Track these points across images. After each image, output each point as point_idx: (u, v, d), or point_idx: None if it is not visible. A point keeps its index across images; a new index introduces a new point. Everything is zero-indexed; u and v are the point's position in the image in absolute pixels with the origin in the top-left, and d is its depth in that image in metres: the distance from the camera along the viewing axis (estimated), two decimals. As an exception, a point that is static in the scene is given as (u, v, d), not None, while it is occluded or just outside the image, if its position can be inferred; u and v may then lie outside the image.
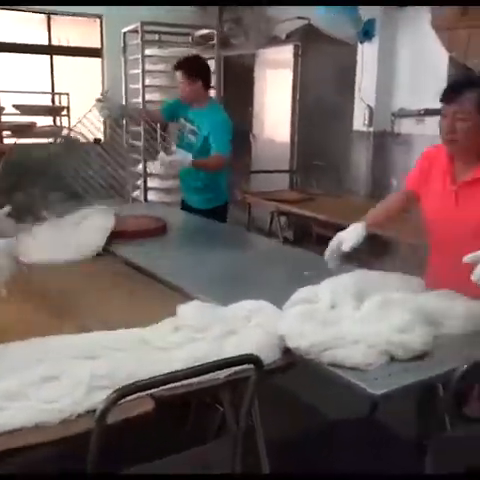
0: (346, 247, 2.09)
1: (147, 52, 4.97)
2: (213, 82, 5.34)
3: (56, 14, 7.42)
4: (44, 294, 2.14)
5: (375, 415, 2.52)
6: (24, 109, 6.92)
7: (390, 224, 2.41)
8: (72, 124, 7.22)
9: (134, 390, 1.33)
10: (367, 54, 4.81)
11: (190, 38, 5.69)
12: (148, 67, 4.84)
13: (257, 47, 6.63)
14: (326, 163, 5.34)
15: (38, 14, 7.39)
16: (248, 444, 1.81)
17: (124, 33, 5.35)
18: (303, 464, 2.16)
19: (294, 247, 3.81)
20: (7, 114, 6.95)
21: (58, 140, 5.44)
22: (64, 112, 7.23)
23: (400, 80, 4.80)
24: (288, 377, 1.75)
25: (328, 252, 2.13)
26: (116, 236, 2.84)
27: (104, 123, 7.78)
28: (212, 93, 5.30)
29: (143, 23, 4.88)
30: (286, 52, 6.25)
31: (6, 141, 6.71)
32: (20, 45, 7.40)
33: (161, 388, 1.43)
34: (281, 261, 2.67)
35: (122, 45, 5.45)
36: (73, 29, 7.64)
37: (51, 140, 6.41)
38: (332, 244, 2.13)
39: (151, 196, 5.01)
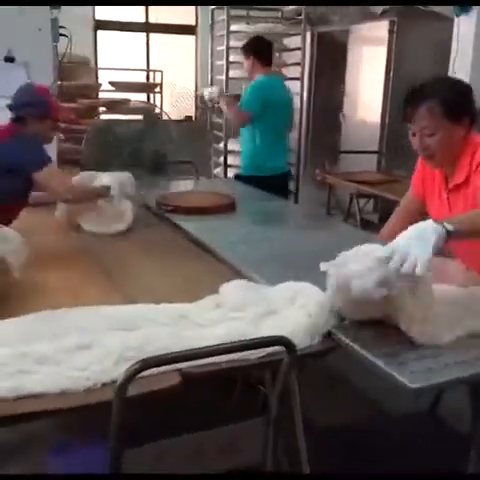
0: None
1: (233, 28, 4.94)
2: (296, 58, 5.34)
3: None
4: (96, 261, 2.21)
5: (436, 410, 2.41)
6: (119, 86, 7.12)
7: None
8: (164, 101, 7.43)
9: (156, 363, 1.33)
10: (463, 28, 4.51)
11: (280, 13, 5.59)
12: (233, 44, 4.81)
13: (351, 23, 6.43)
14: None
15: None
16: (288, 429, 1.79)
17: (212, 10, 5.34)
18: (347, 458, 2.09)
19: (373, 231, 3.68)
20: (103, 91, 7.19)
21: (147, 116, 5.60)
22: (157, 89, 7.37)
23: (498, 57, 4.47)
24: (343, 363, 1.68)
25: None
26: (180, 211, 2.87)
27: (195, 101, 7.91)
28: (305, 71, 5.37)
29: (229, -1, 4.85)
30: (381, 28, 6.01)
31: (102, 117, 6.96)
32: (119, 23, 7.60)
33: (189, 364, 1.43)
34: (346, 245, 2.57)
35: (210, 22, 5.45)
36: (170, 7, 7.73)
37: (142, 117, 6.60)
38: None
39: (232, 173, 5.01)
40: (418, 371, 1.42)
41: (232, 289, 1.78)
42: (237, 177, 4.15)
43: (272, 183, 3.76)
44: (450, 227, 1.51)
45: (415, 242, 1.46)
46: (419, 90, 1.95)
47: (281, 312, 1.68)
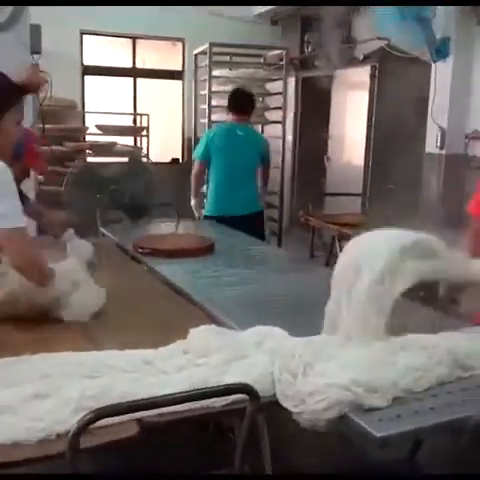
0: None
1: (216, 73, 5.01)
2: (279, 103, 5.43)
3: (141, 38, 7.68)
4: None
5: (416, 457, 2.34)
6: (106, 129, 7.18)
7: None
8: (151, 144, 7.48)
9: (109, 413, 1.28)
10: (440, 74, 4.61)
11: (262, 59, 5.69)
12: (216, 88, 4.88)
13: (335, 68, 6.56)
14: (398, 186, 5.14)
15: (124, 38, 7.68)
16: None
17: (195, 55, 5.43)
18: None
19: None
20: (90, 134, 7.25)
21: (130, 160, 5.62)
22: (144, 132, 7.43)
23: (475, 101, 4.55)
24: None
25: None
26: (156, 254, 2.84)
27: (182, 144, 7.97)
28: (288, 115, 5.45)
29: (212, 44, 4.94)
30: (363, 73, 6.14)
31: (89, 159, 6.98)
32: (106, 68, 7.71)
33: (150, 413, 1.38)
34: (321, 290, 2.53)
35: (193, 66, 5.54)
36: (155, 52, 7.87)
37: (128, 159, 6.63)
38: None
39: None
40: (386, 418, 1.38)
41: (200, 334, 1.74)
42: (206, 217, 4.35)
43: (240, 223, 3.87)
44: None
45: None
46: None
47: (248, 358, 1.64)
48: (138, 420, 1.37)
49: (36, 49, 3.33)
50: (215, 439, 1.92)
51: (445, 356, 1.52)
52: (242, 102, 4.34)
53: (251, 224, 4.09)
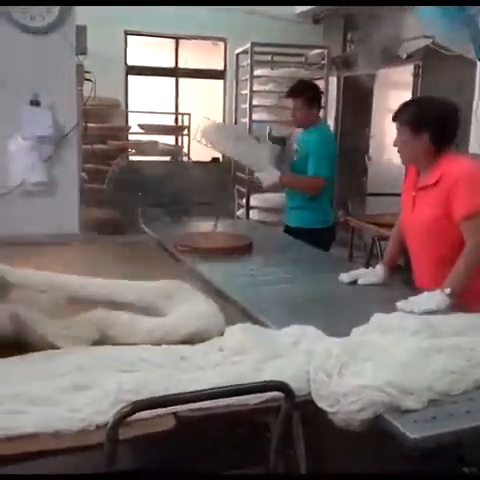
0: (361, 282, 2.45)
1: (257, 72, 5.03)
2: (324, 102, 5.36)
3: (184, 38, 7.76)
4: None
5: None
6: (148, 128, 7.28)
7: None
8: (192, 143, 7.55)
9: (146, 406, 1.31)
10: (485, 73, 4.53)
11: (303, 58, 5.68)
12: (257, 87, 4.90)
13: (378, 67, 6.50)
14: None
15: (167, 38, 7.77)
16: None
17: (237, 54, 5.46)
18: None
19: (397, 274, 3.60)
20: (133, 133, 7.36)
21: (172, 159, 5.70)
22: (185, 132, 7.50)
23: (521, 101, 4.46)
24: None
25: (345, 276, 2.48)
26: (195, 252, 2.88)
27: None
28: (331, 114, 5.32)
29: (253, 44, 4.96)
30: (406, 72, 6.07)
31: (131, 158, 7.10)
32: (149, 68, 7.81)
33: (186, 407, 1.41)
34: (361, 292, 2.53)
35: (235, 66, 5.57)
36: (197, 52, 7.94)
37: (169, 158, 6.72)
38: (353, 273, 2.49)
39: (254, 215, 5.03)
40: (422, 420, 1.38)
41: (236, 332, 1.76)
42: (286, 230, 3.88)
43: (313, 236, 3.54)
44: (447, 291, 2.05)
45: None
46: (406, 102, 2.40)
47: (283, 357, 1.65)
48: (174, 414, 1.41)
49: (82, 50, 3.39)
50: (250, 436, 1.93)
51: (483, 359, 1.50)
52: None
53: (321, 238, 3.71)
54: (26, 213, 3.34)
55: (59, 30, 3.30)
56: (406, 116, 2.29)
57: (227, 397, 1.40)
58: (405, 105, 2.36)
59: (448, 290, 2.05)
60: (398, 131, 2.33)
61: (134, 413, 1.29)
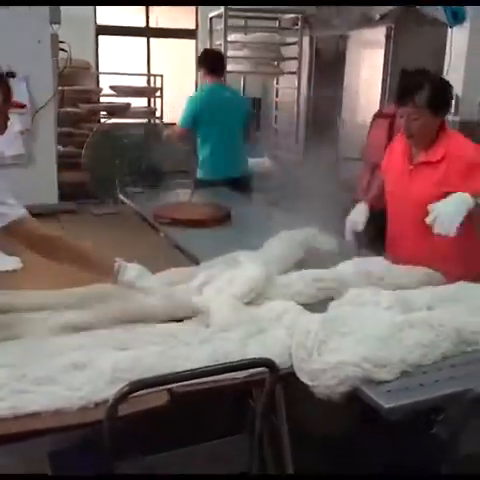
0: (359, 227, 2.59)
1: (231, 37, 5.02)
2: (296, 66, 5.40)
3: (154, -3, 7.61)
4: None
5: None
6: (120, 90, 7.18)
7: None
8: (165, 105, 7.49)
9: (144, 386, 1.42)
10: (457, 39, 4.58)
11: (277, 23, 5.66)
12: (231, 53, 4.89)
13: (351, 28, 6.49)
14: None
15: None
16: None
17: (210, 18, 5.41)
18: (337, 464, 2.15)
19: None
20: (104, 95, 7.25)
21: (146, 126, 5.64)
22: (158, 93, 7.43)
23: (491, 68, 4.54)
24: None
25: (347, 235, 2.62)
26: (176, 223, 2.97)
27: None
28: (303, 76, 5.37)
29: (227, 8, 4.93)
30: (379, 33, 6.08)
31: (103, 121, 7.02)
32: (119, 28, 7.66)
33: (177, 383, 1.51)
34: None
35: (208, 28, 5.52)
36: (168, 11, 7.79)
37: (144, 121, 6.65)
38: (347, 228, 2.62)
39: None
40: (394, 390, 1.51)
41: (222, 309, 1.86)
42: (201, 181, 4.31)
43: (234, 186, 4.00)
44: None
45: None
46: (410, 82, 2.39)
47: (267, 332, 1.76)
48: (168, 390, 1.51)
49: (55, 20, 3.36)
50: (236, 405, 2.05)
51: (451, 333, 1.63)
52: (219, 64, 4.36)
53: (243, 187, 4.21)
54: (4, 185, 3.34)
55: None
56: (424, 99, 2.30)
57: (218, 374, 1.50)
58: (414, 87, 2.33)
59: None
60: (412, 115, 2.33)
61: (132, 393, 1.39)
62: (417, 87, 2.32)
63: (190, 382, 1.52)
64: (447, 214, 2.13)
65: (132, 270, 1.97)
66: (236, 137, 4.31)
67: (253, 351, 1.66)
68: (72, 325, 1.81)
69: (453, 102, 4.70)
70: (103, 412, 1.41)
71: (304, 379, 1.54)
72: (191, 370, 1.49)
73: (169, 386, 1.50)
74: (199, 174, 4.38)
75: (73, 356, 1.61)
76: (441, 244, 2.25)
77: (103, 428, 1.39)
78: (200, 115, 4.20)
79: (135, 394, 1.43)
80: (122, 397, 1.38)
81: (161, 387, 1.49)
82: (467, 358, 1.66)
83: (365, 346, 1.54)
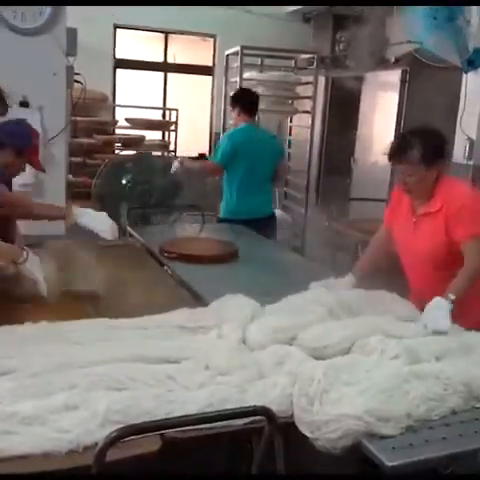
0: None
1: (246, 75, 5.05)
2: (309, 106, 5.41)
3: (173, 33, 7.73)
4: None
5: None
6: (135, 123, 7.25)
7: (378, 267, 2.75)
8: (179, 139, 7.55)
9: (135, 431, 1.35)
10: (471, 84, 4.58)
11: (293, 62, 5.71)
12: (246, 90, 4.92)
13: (366, 70, 6.53)
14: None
15: (157, 33, 7.73)
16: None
17: (227, 55, 5.47)
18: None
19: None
20: (120, 127, 7.33)
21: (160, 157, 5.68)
22: (172, 127, 7.50)
23: (505, 113, 4.52)
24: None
25: (314, 285, 2.50)
26: (182, 259, 2.93)
27: (210, 139, 8.03)
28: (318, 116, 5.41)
29: (243, 47, 4.98)
30: (394, 76, 6.11)
31: (119, 153, 7.08)
32: (138, 62, 7.78)
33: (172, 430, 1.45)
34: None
35: (224, 66, 5.58)
36: (186, 47, 7.92)
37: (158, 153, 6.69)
38: (322, 282, 2.52)
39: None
40: (399, 447, 1.43)
41: (222, 350, 1.80)
42: (222, 220, 4.31)
43: (256, 225, 3.95)
44: (452, 297, 2.14)
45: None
46: (402, 141, 2.39)
47: (267, 378, 1.70)
48: (161, 435, 1.45)
49: (71, 52, 3.40)
50: (233, 454, 1.97)
51: (460, 387, 1.56)
52: (254, 104, 4.30)
53: (266, 227, 4.15)
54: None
55: (50, 32, 3.31)
56: (417, 154, 2.31)
57: (212, 422, 1.44)
58: (405, 144, 2.35)
59: (452, 295, 2.15)
60: (406, 171, 2.36)
61: (122, 438, 1.33)
62: (408, 145, 2.34)
63: (184, 428, 1.46)
64: (435, 319, 2.09)
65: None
66: (265, 178, 4.27)
67: (252, 397, 1.59)
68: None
69: (466, 147, 4.78)
70: (91, 457, 1.35)
71: (304, 430, 1.48)
72: (185, 416, 1.43)
73: (163, 432, 1.44)
74: (222, 213, 4.32)
75: (66, 396, 1.55)
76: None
77: (93, 473, 1.32)
78: (235, 153, 4.13)
79: (127, 439, 1.37)
80: (111, 443, 1.31)
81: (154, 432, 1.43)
82: (478, 414, 1.59)
83: (368, 398, 1.47)
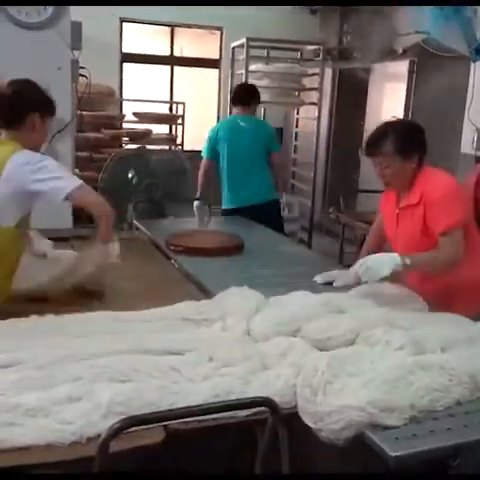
0: (336, 284, 2.48)
1: (252, 68, 5.03)
2: (315, 98, 5.40)
3: (179, 26, 7.71)
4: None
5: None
6: (143, 117, 7.25)
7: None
8: (186, 132, 7.53)
9: (138, 422, 1.35)
10: (478, 74, 4.54)
11: (299, 53, 5.67)
12: (252, 83, 4.90)
13: (373, 61, 6.49)
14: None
15: (163, 26, 7.71)
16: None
17: (233, 48, 5.44)
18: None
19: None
20: (127, 121, 7.33)
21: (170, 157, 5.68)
22: (179, 121, 7.48)
23: (514, 103, 4.48)
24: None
25: (319, 277, 2.56)
26: (188, 252, 2.93)
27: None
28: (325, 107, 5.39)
29: (249, 39, 4.96)
30: (401, 67, 6.07)
31: (126, 146, 7.08)
32: (144, 55, 7.77)
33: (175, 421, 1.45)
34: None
35: (230, 58, 5.55)
36: (193, 41, 7.89)
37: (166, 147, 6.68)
38: (327, 274, 2.55)
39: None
40: (402, 437, 1.42)
41: (225, 342, 1.80)
42: (223, 210, 4.39)
43: (257, 213, 4.02)
44: (407, 261, 2.18)
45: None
46: (376, 133, 2.37)
47: (271, 369, 1.69)
48: (165, 426, 1.45)
49: (76, 46, 3.39)
50: (237, 441, 1.97)
51: (465, 378, 1.55)
52: (243, 95, 4.41)
53: (268, 213, 4.20)
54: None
55: (54, 26, 3.30)
56: (392, 146, 2.30)
57: (216, 413, 1.44)
58: (380, 137, 2.34)
59: (409, 260, 2.19)
60: (383, 163, 2.34)
61: (124, 429, 1.33)
62: (381, 136, 2.33)
63: (188, 419, 1.46)
64: (374, 266, 2.19)
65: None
66: (254, 164, 4.32)
67: (256, 389, 1.59)
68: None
69: (475, 137, 4.73)
70: (94, 448, 1.35)
71: (307, 421, 1.47)
72: (188, 407, 1.42)
73: (166, 423, 1.44)
74: (223, 204, 4.41)
75: (69, 388, 1.56)
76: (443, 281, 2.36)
77: (95, 465, 1.33)
78: (216, 146, 4.29)
79: (131, 429, 1.37)
80: (114, 433, 1.31)
81: (157, 424, 1.43)
82: (482, 405, 1.58)
83: (372, 389, 1.47)
